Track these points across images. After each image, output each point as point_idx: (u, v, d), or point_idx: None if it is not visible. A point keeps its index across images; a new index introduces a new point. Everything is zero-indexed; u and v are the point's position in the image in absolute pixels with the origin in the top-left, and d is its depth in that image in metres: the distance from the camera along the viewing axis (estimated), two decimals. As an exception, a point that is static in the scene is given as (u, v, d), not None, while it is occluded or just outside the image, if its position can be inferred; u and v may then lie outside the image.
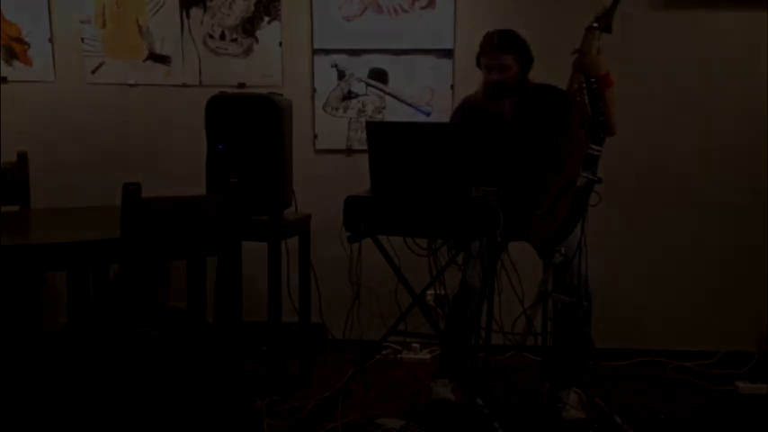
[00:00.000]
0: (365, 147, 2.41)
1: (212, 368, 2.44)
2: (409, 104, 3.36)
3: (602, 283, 2.80)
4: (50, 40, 3.37)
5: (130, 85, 3.39)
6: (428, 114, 3.35)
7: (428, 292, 2.87)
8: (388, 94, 3.36)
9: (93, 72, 3.39)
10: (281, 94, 2.96)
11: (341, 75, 3.36)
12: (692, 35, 3.23)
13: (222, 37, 3.36)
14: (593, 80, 2.25)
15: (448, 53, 3.31)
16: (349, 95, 3.38)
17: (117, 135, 3.41)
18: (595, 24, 2.28)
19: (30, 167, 2.91)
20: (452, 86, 3.32)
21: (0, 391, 2.37)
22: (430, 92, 3.34)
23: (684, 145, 3.27)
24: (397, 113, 3.36)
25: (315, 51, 3.35)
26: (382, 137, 2.36)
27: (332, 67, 3.36)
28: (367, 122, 2.80)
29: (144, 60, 3.38)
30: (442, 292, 2.81)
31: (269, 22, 3.35)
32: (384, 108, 3.37)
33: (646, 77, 3.22)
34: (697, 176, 3.28)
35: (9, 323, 2.58)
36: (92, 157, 3.41)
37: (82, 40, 3.36)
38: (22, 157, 2.90)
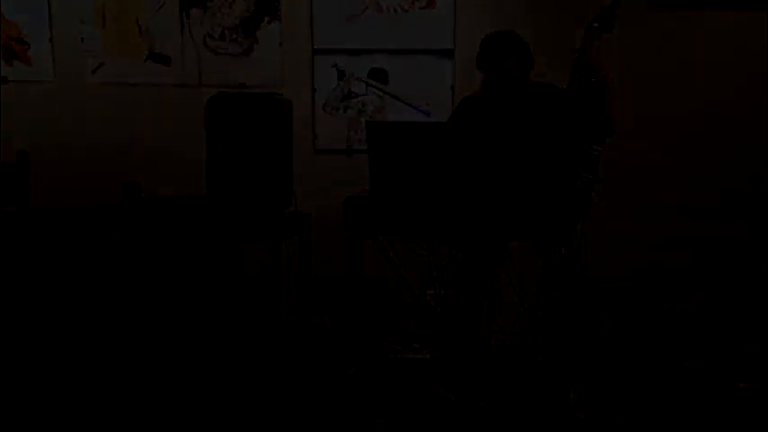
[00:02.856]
0: (365, 147, 2.41)
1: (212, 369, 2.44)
2: (409, 104, 3.36)
3: (603, 282, 2.80)
4: (50, 40, 3.37)
5: (130, 85, 3.39)
6: (428, 114, 3.35)
7: (428, 291, 2.87)
8: (388, 94, 3.36)
9: (93, 72, 3.39)
10: (282, 94, 2.96)
11: (341, 75, 3.36)
12: (692, 35, 3.23)
13: (222, 37, 3.36)
14: (593, 80, 2.25)
15: (448, 53, 3.31)
16: (349, 95, 3.38)
17: (117, 135, 3.41)
18: (595, 24, 2.29)
19: (30, 167, 2.91)
20: (452, 86, 3.32)
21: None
22: (430, 92, 3.34)
23: (686, 144, 3.27)
24: (397, 113, 3.36)
25: (315, 51, 3.35)
26: (382, 137, 2.36)
27: (332, 67, 3.36)
28: (367, 122, 2.80)
29: (144, 60, 3.38)
30: (442, 292, 2.81)
31: (269, 22, 3.35)
32: (384, 108, 3.38)
33: (646, 77, 3.22)
34: (698, 175, 3.28)
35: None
36: (92, 157, 3.41)
37: (82, 40, 3.36)
38: (22, 156, 2.90)
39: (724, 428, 2.59)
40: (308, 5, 3.33)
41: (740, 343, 3.29)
